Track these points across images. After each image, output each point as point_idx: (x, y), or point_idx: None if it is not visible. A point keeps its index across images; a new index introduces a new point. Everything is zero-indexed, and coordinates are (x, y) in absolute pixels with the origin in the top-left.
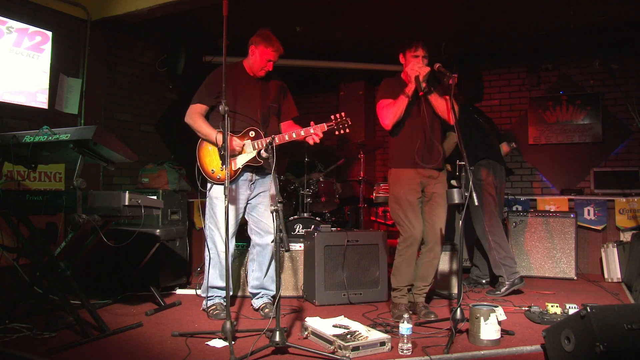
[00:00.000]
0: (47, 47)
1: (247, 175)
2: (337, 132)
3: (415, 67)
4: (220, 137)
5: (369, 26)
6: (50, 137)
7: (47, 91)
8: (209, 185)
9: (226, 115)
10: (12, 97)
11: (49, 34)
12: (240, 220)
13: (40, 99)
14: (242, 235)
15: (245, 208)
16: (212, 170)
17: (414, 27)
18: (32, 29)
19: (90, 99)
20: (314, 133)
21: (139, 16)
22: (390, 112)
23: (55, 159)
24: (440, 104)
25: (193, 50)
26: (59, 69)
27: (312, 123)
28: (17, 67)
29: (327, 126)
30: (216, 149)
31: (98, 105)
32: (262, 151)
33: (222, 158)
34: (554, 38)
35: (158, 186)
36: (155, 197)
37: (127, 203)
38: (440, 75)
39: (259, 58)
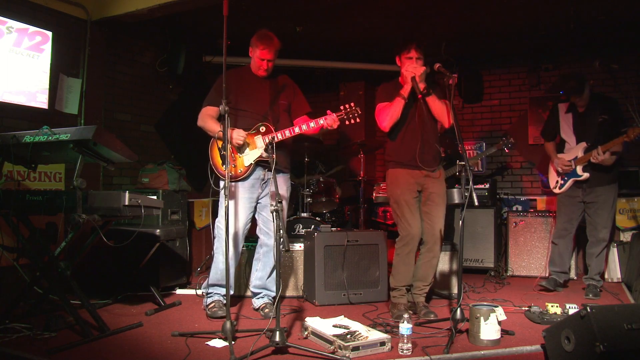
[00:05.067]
0: (47, 47)
1: (259, 174)
2: (347, 122)
3: (410, 67)
4: (230, 132)
5: (369, 26)
6: (50, 137)
7: (47, 91)
8: (221, 183)
9: (226, 115)
10: (12, 97)
11: (49, 34)
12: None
13: (40, 99)
14: (250, 235)
15: (255, 207)
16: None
17: (414, 27)
18: (32, 29)
19: (90, 99)
20: (326, 123)
21: (139, 16)
22: (386, 114)
23: (55, 159)
24: (437, 106)
25: (193, 50)
26: (59, 69)
27: (328, 112)
28: (17, 67)
29: (337, 116)
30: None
31: (98, 105)
32: (262, 151)
33: (223, 158)
34: (554, 38)
35: (158, 186)
36: (155, 197)
37: (127, 203)
38: (440, 75)
39: (256, 58)
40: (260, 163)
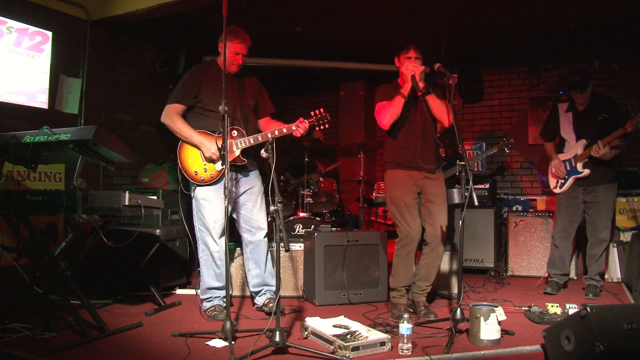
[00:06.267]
0: (47, 47)
1: (231, 175)
2: (317, 128)
3: (410, 66)
4: (199, 138)
5: (369, 26)
6: (50, 137)
7: (47, 91)
8: (192, 187)
9: (226, 116)
10: (12, 97)
11: (49, 34)
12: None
13: (40, 99)
14: (230, 234)
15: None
16: (195, 171)
17: (414, 27)
18: (32, 29)
19: (90, 99)
20: (297, 129)
21: (139, 16)
22: (387, 111)
23: (55, 159)
24: (437, 104)
25: (193, 50)
26: (59, 69)
27: (300, 118)
28: (17, 67)
29: (308, 122)
30: (198, 150)
31: (98, 105)
32: (262, 151)
33: (222, 158)
34: (554, 38)
35: (158, 186)
36: (155, 197)
37: (127, 203)
38: (440, 75)
39: (230, 53)
40: (230, 166)
